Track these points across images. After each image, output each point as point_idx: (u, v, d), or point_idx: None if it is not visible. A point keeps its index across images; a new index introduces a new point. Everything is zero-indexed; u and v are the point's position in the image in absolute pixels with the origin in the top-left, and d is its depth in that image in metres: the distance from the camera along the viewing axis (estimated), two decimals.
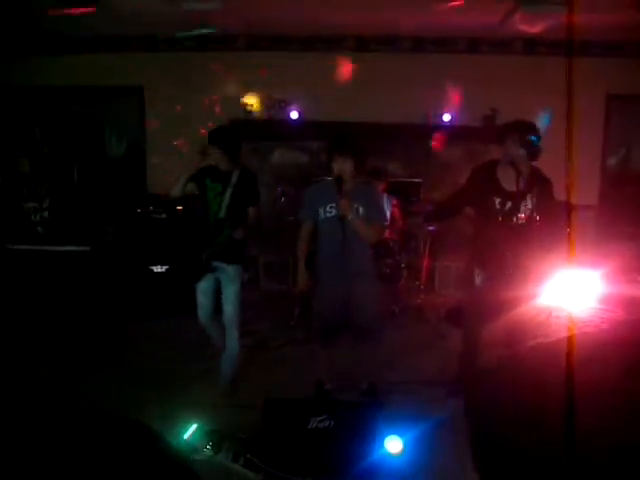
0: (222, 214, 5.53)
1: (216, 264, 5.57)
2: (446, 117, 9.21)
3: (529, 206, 5.19)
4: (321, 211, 5.33)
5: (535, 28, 8.19)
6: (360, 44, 9.40)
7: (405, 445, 4.43)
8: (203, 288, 5.69)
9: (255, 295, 8.88)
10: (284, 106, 9.39)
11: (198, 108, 9.49)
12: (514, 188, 5.17)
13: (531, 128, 5.19)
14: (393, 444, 4.39)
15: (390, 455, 4.37)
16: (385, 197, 7.83)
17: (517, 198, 5.18)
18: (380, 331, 5.58)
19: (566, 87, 2.42)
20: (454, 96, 9.06)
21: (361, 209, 5.20)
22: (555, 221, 5.03)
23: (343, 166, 5.17)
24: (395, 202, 8.01)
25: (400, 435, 4.44)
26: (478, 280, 5.42)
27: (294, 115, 9.40)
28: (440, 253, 8.78)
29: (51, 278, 6.22)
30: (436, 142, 9.19)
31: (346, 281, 5.26)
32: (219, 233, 5.53)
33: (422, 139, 9.23)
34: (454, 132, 9.17)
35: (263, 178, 9.45)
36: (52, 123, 9.56)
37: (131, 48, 9.56)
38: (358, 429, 4.39)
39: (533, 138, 5.10)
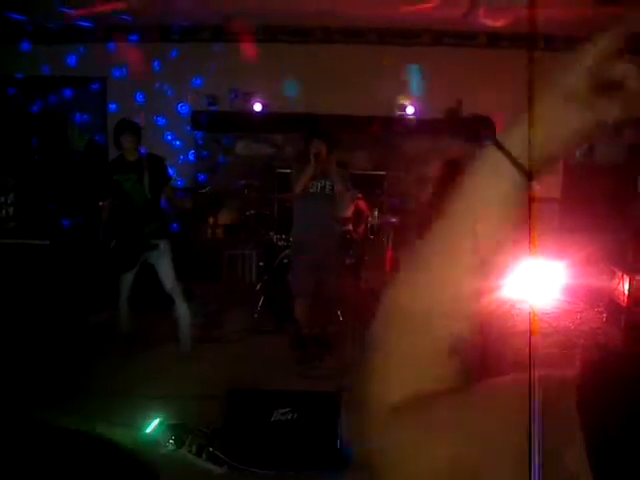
0: (148, 197, 5.98)
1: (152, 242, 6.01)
2: (410, 109, 9.22)
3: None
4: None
5: (498, 22, 8.24)
6: (325, 36, 9.39)
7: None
8: (131, 274, 6.10)
9: (217, 288, 8.85)
10: (248, 98, 9.35)
11: (161, 99, 9.41)
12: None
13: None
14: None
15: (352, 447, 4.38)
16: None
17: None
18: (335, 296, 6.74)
19: (527, 81, 2.43)
20: (418, 88, 9.07)
21: (336, 184, 6.22)
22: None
23: (320, 148, 6.11)
24: (360, 195, 8.00)
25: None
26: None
27: (258, 107, 9.36)
28: (403, 245, 8.80)
29: (11, 271, 6.18)
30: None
31: (314, 243, 6.25)
32: (150, 215, 5.97)
33: (386, 132, 9.24)
34: (418, 124, 9.20)
35: (227, 170, 9.45)
36: (12, 115, 9.43)
37: (93, 38, 9.44)
38: (321, 421, 4.38)
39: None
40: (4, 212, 6.20)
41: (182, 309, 6.34)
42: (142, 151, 6.09)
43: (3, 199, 6.22)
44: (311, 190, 6.31)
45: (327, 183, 6.29)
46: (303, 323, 6.69)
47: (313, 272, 6.38)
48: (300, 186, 6.22)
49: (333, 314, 7.23)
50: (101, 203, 6.26)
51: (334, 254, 6.55)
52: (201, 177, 9.69)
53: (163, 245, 6.13)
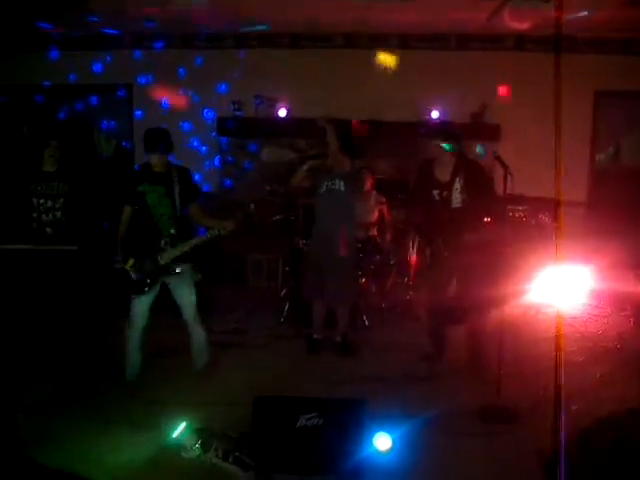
0: (176, 212, 5.52)
1: (175, 266, 5.52)
2: (434, 114, 9.19)
3: (459, 192, 5.90)
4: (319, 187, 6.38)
5: (524, 24, 8.20)
6: (348, 41, 9.40)
7: (394, 443, 4.42)
8: (147, 299, 5.58)
9: (242, 293, 8.87)
10: (272, 104, 9.38)
11: (186, 106, 9.47)
12: (447, 178, 5.95)
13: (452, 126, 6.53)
14: (382, 441, 4.39)
15: (379, 452, 4.37)
16: (374, 194, 7.85)
17: (449, 187, 5.93)
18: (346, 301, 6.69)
19: (554, 83, 2.42)
20: (443, 93, 9.03)
21: (349, 191, 6.34)
22: (491, 202, 6.00)
23: (329, 143, 6.25)
24: (383, 200, 8.00)
25: (389, 433, 4.43)
26: (427, 258, 6.43)
27: (282, 113, 9.38)
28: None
29: (40, 278, 6.14)
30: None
31: (330, 246, 6.32)
32: (176, 234, 5.51)
33: (410, 137, 9.20)
34: (443, 129, 9.14)
35: (251, 176, 9.47)
36: (40, 122, 9.52)
37: (119, 45, 9.52)
38: (347, 427, 4.38)
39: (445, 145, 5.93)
40: (51, 216, 6.11)
41: (201, 338, 5.85)
42: (172, 161, 5.71)
43: (51, 203, 6.12)
44: (322, 190, 6.35)
45: (338, 183, 6.29)
46: (317, 327, 6.75)
47: (322, 276, 6.40)
48: (294, 178, 6.43)
49: (356, 319, 7.23)
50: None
51: (348, 260, 6.48)
52: (227, 183, 9.72)
53: (185, 270, 5.60)
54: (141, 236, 5.56)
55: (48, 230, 6.06)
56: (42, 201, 6.05)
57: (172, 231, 5.50)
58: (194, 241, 5.53)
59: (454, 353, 6.34)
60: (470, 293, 5.78)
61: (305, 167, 6.32)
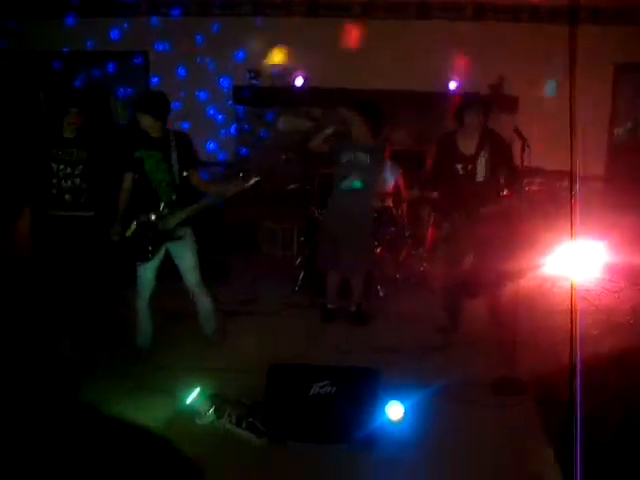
0: (176, 180, 5.44)
1: (178, 232, 5.49)
2: (452, 85, 9.13)
3: (484, 166, 5.87)
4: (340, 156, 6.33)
5: None
6: (366, 10, 9.31)
7: (406, 412, 4.46)
8: (152, 266, 5.56)
9: (255, 262, 8.91)
10: (289, 72, 9.34)
11: (202, 74, 9.44)
12: (472, 152, 5.90)
13: (483, 102, 6.25)
14: (394, 411, 4.42)
15: (391, 422, 4.41)
16: (390, 164, 7.82)
17: (473, 160, 5.89)
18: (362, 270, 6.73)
19: (569, 56, 2.40)
20: (460, 64, 8.96)
21: (370, 162, 6.27)
22: (510, 176, 5.99)
23: (348, 116, 6.34)
24: (399, 171, 7.97)
25: (401, 402, 4.47)
26: (445, 231, 6.25)
27: (299, 82, 9.33)
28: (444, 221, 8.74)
29: (61, 244, 6.15)
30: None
31: (346, 216, 6.33)
32: (175, 200, 5.46)
33: (428, 107, 9.15)
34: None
35: (267, 144, 9.46)
36: (58, 89, 9.51)
37: (136, 12, 9.49)
38: (359, 395, 4.42)
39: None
40: (70, 183, 6.08)
41: (207, 305, 5.84)
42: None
43: (70, 170, 6.07)
44: (343, 160, 6.30)
45: (361, 155, 6.26)
46: (331, 297, 6.80)
47: (339, 246, 6.41)
48: (311, 142, 6.39)
49: (373, 289, 7.25)
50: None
51: (364, 230, 6.53)
52: (242, 151, 9.71)
53: (186, 235, 5.58)
54: (141, 203, 5.51)
55: (67, 197, 6.04)
56: (62, 167, 5.99)
57: (172, 197, 5.45)
58: (194, 207, 5.48)
59: (468, 325, 6.37)
60: (488, 266, 5.79)
61: (328, 131, 6.27)
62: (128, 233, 5.45)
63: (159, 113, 5.36)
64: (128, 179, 5.57)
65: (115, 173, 5.75)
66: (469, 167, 5.89)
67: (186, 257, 5.61)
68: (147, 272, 5.56)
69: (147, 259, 5.48)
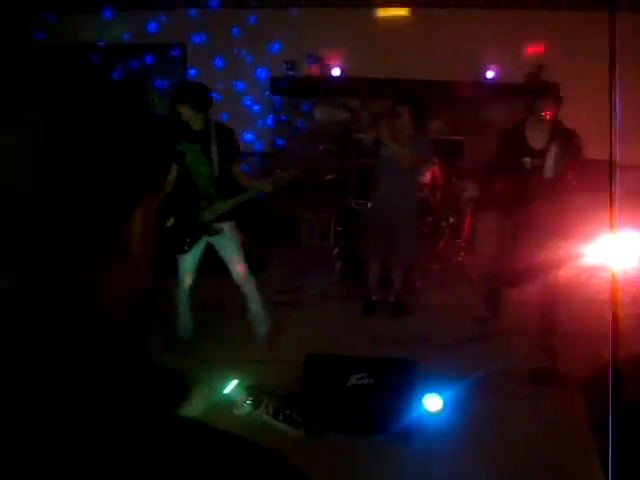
0: (216, 173, 5.39)
1: (216, 226, 5.48)
2: (489, 74, 9.04)
3: (554, 160, 5.49)
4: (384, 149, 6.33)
5: None
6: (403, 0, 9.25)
7: (444, 404, 4.45)
8: (191, 258, 5.57)
9: (294, 253, 8.92)
10: (326, 63, 9.32)
11: (239, 65, 9.46)
12: (541, 146, 5.54)
13: (556, 89, 5.73)
14: (432, 402, 4.42)
15: (429, 413, 4.40)
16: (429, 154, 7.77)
17: (543, 154, 5.53)
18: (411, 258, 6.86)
19: (609, 44, 2.36)
20: (498, 52, 8.87)
21: (414, 152, 6.18)
22: (581, 173, 5.55)
23: (398, 111, 6.26)
24: (436, 161, 7.92)
25: (439, 394, 4.46)
26: (508, 230, 5.95)
27: (336, 72, 9.31)
28: (482, 212, 8.68)
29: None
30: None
31: (389, 208, 6.35)
32: (215, 194, 5.44)
33: (465, 96, 9.08)
34: (498, 89, 9.02)
35: (305, 135, 9.46)
36: (96, 82, 9.58)
37: (173, 4, 9.53)
38: (397, 387, 4.41)
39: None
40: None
41: (256, 307, 5.78)
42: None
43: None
44: (387, 152, 6.29)
45: (407, 149, 6.20)
46: (373, 288, 6.78)
47: (385, 237, 6.45)
48: (371, 133, 6.53)
49: (410, 280, 7.22)
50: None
51: (409, 220, 6.53)
52: (279, 142, 9.73)
53: (228, 229, 5.54)
54: (181, 195, 5.53)
55: None
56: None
57: (211, 190, 5.44)
58: (232, 201, 5.45)
59: (506, 315, 6.32)
60: (542, 258, 5.63)
61: (384, 126, 6.34)
62: (168, 224, 5.47)
63: (199, 104, 5.33)
64: (173, 171, 5.57)
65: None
66: (537, 161, 5.56)
67: (228, 250, 5.59)
68: (186, 264, 5.58)
69: (183, 251, 5.51)
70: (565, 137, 5.51)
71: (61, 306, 1.72)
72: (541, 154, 5.54)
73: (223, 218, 5.48)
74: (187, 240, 5.48)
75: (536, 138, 5.61)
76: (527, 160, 5.57)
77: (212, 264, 5.68)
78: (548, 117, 5.48)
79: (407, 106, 6.25)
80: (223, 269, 5.70)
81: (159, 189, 5.93)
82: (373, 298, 6.81)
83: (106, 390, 1.63)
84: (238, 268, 5.63)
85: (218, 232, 5.49)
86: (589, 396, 3.84)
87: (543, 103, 5.48)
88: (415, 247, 6.83)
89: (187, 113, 5.34)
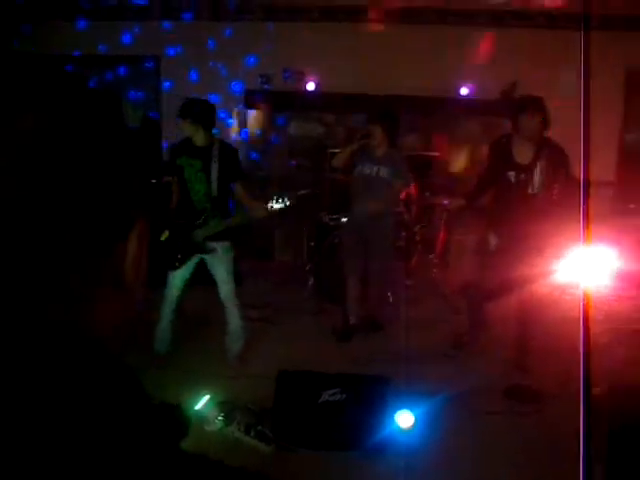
0: (214, 192, 5.37)
1: (209, 245, 5.43)
2: (463, 90, 9.09)
3: (540, 177, 5.39)
4: (360, 167, 6.34)
5: (556, 1, 8.07)
6: (379, 15, 9.28)
7: (416, 420, 4.42)
8: (181, 274, 5.53)
9: (268, 268, 8.89)
10: (301, 77, 9.32)
11: (214, 78, 9.43)
12: (528, 161, 5.43)
13: (542, 103, 5.45)
14: (404, 419, 4.39)
15: (401, 430, 4.37)
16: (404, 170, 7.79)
17: (530, 170, 5.42)
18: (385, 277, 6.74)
19: (582, 62, 2.38)
20: (472, 69, 8.92)
21: (388, 173, 6.25)
22: (569, 193, 5.31)
23: (371, 130, 6.23)
24: (411, 176, 7.92)
25: (411, 410, 4.43)
26: (492, 247, 5.75)
27: (311, 86, 9.32)
28: (455, 227, 8.70)
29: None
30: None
31: (366, 225, 6.35)
32: (211, 212, 5.40)
33: (439, 112, 9.13)
34: (472, 105, 9.08)
35: (279, 149, 9.46)
36: (70, 92, 9.52)
37: (148, 16, 9.50)
38: (369, 403, 4.39)
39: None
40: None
41: (236, 321, 5.68)
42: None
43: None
44: (365, 173, 6.28)
45: (382, 168, 6.25)
46: (352, 309, 6.57)
47: (364, 253, 6.39)
48: (338, 160, 6.42)
49: (383, 296, 7.20)
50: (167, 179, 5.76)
51: (386, 237, 6.49)
52: (253, 155, 9.71)
53: (222, 249, 5.47)
54: (179, 211, 5.52)
55: None
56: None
57: (207, 208, 5.40)
58: (228, 221, 5.42)
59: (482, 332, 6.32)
60: (520, 274, 5.56)
61: (353, 146, 6.30)
62: (162, 237, 5.46)
63: (201, 120, 5.33)
64: (174, 185, 5.58)
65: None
66: (522, 176, 5.47)
67: (218, 271, 5.54)
68: (176, 280, 5.54)
69: (174, 267, 5.47)
70: (553, 153, 5.43)
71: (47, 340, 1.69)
72: (527, 169, 5.45)
73: (217, 238, 5.43)
74: (179, 256, 5.44)
75: (522, 153, 5.51)
76: (512, 174, 5.49)
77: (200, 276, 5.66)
78: (534, 133, 5.43)
79: (379, 124, 6.22)
80: (210, 281, 5.67)
81: (151, 214, 5.92)
82: (352, 321, 6.60)
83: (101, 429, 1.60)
84: (226, 289, 5.58)
85: (211, 251, 5.44)
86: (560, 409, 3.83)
87: (527, 118, 5.40)
88: (392, 263, 6.82)
89: (189, 128, 5.34)
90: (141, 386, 1.77)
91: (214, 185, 5.36)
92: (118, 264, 5.94)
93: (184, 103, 5.44)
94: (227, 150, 5.50)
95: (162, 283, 5.65)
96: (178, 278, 5.53)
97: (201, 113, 5.37)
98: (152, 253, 5.61)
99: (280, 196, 5.34)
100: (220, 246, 5.46)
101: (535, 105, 5.43)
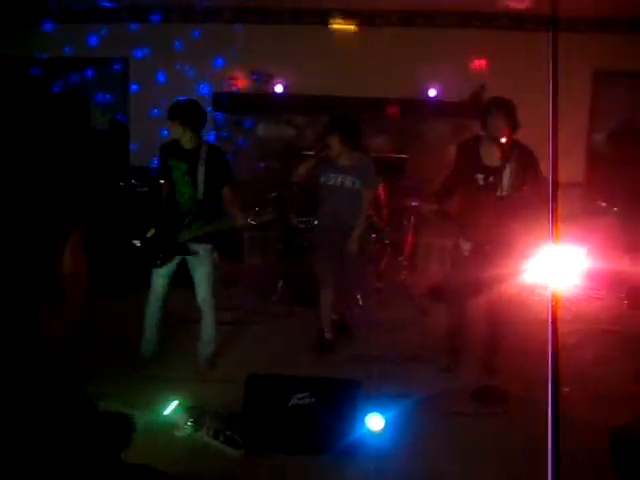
0: (200, 196, 5.36)
1: (191, 247, 5.41)
2: (432, 92, 9.12)
3: (509, 179, 5.29)
4: (324, 177, 6.13)
5: (523, 3, 8.12)
6: (347, 18, 9.28)
7: (386, 423, 4.41)
8: (165, 272, 5.52)
9: (238, 270, 8.85)
10: (269, 79, 9.30)
11: (182, 80, 9.38)
12: (496, 163, 5.32)
13: (511, 105, 5.34)
14: (374, 422, 4.38)
15: (371, 433, 4.36)
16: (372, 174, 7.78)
17: (498, 172, 5.31)
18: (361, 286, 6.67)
19: (551, 63, 2.38)
20: (441, 71, 8.95)
21: (356, 182, 6.04)
22: (539, 194, 5.19)
23: (330, 141, 5.95)
24: (379, 179, 7.91)
25: (382, 413, 4.42)
26: (464, 252, 5.56)
27: (279, 89, 9.31)
28: (424, 230, 8.72)
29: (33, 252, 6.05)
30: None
31: (336, 235, 6.10)
32: (196, 215, 5.37)
33: (409, 114, 9.15)
34: (441, 107, 9.11)
35: (247, 152, 9.42)
36: (35, 95, 9.42)
37: (115, 18, 9.42)
38: (339, 407, 4.37)
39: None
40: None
41: (209, 326, 5.66)
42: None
43: None
44: (329, 183, 6.11)
45: (348, 178, 6.06)
46: (327, 322, 6.28)
47: (336, 262, 6.14)
48: (300, 172, 6.16)
49: (353, 299, 7.17)
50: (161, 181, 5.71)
51: (360, 246, 6.18)
52: None
53: (204, 252, 5.46)
54: (166, 210, 5.53)
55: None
56: None
57: (192, 211, 5.38)
58: (212, 226, 5.39)
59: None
60: (489, 276, 5.51)
61: (312, 161, 6.10)
62: (148, 234, 5.46)
63: (189, 122, 5.29)
64: (164, 186, 5.60)
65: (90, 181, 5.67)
66: (491, 179, 5.35)
67: (198, 273, 5.51)
68: (158, 278, 5.54)
69: (156, 265, 5.47)
70: (522, 155, 5.34)
71: None
72: (495, 171, 5.35)
73: (200, 240, 5.40)
74: (161, 255, 5.43)
75: (490, 155, 5.40)
76: (480, 177, 5.39)
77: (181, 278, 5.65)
78: (503, 134, 5.29)
79: (336, 133, 5.95)
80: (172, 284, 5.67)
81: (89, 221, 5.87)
82: (327, 337, 6.32)
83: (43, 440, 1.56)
84: (203, 292, 5.55)
85: (193, 254, 5.42)
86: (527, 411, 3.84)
87: (495, 120, 5.31)
88: (365, 268, 6.76)
89: (177, 130, 5.31)
90: (84, 394, 1.74)
91: (200, 189, 5.34)
92: (56, 271, 5.89)
93: (173, 104, 5.39)
94: (215, 154, 5.45)
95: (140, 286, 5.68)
96: (161, 276, 5.53)
97: (191, 114, 5.33)
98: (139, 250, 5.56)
99: (263, 208, 5.33)
100: (202, 248, 5.44)
101: (503, 107, 5.33)
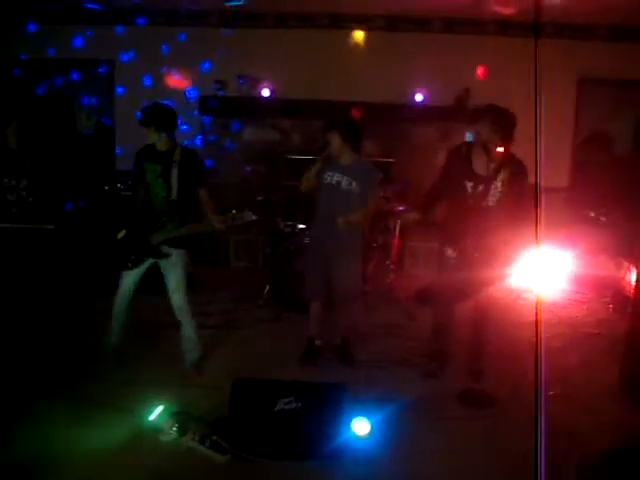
0: (173, 196, 5.32)
1: (164, 250, 5.36)
2: (418, 97, 9.16)
3: (499, 189, 5.22)
4: (322, 177, 5.84)
5: (509, 9, 8.17)
6: (334, 22, 9.30)
7: (373, 427, 4.41)
8: (134, 273, 5.47)
9: (224, 274, 8.83)
10: (255, 83, 9.31)
11: (168, 84, 9.36)
12: (487, 172, 5.25)
13: (504, 112, 5.23)
14: (360, 426, 4.37)
15: (357, 437, 4.36)
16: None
17: (488, 181, 5.23)
18: (352, 299, 6.05)
19: (534, 69, 2.40)
20: (427, 76, 8.99)
21: (354, 184, 5.75)
22: (527, 204, 4.99)
23: (330, 139, 5.75)
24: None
25: (368, 417, 4.42)
26: (449, 259, 5.52)
27: (265, 92, 9.32)
28: (410, 233, 8.73)
29: (14, 256, 6.02)
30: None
31: (330, 241, 5.80)
32: (170, 217, 5.33)
33: (395, 119, 9.18)
34: (426, 112, 9.14)
35: (233, 156, 9.42)
36: (18, 97, 9.37)
37: (101, 20, 9.39)
38: (325, 411, 4.37)
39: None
40: (15, 195, 5.90)
41: (190, 331, 5.61)
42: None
43: (15, 182, 5.91)
44: (325, 182, 5.83)
45: (345, 178, 5.77)
46: (315, 330, 6.14)
47: (327, 272, 5.92)
48: (306, 183, 5.88)
49: (356, 321, 6.53)
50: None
51: (350, 252, 5.92)
52: (208, 162, 9.62)
53: (176, 256, 5.38)
54: (140, 212, 5.50)
55: (13, 209, 5.89)
56: (6, 180, 5.87)
57: (166, 212, 5.34)
58: (184, 229, 5.32)
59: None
60: (475, 281, 5.43)
61: (317, 166, 5.80)
62: (119, 236, 5.44)
63: (163, 126, 5.31)
64: (139, 189, 5.56)
65: (73, 184, 5.64)
66: (480, 187, 5.26)
67: (171, 277, 5.44)
68: (127, 279, 5.50)
69: (126, 267, 5.44)
70: (513, 166, 5.23)
71: None
72: (485, 181, 5.25)
73: (173, 244, 5.35)
74: (132, 257, 5.41)
75: (481, 164, 5.29)
76: (469, 184, 5.30)
77: (144, 285, 5.59)
78: (496, 143, 5.15)
79: (337, 132, 5.74)
80: (155, 289, 5.59)
81: None
82: (317, 343, 6.18)
83: None
84: (177, 297, 5.48)
85: (164, 257, 5.37)
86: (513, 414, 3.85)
87: (486, 127, 5.18)
88: (360, 282, 6.31)
89: (152, 136, 5.33)
90: None
91: (174, 190, 5.31)
92: None
93: (145, 110, 5.38)
94: (188, 155, 5.43)
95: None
96: (130, 278, 5.48)
97: (164, 119, 5.36)
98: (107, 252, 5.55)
99: (241, 211, 5.19)
100: (175, 252, 5.39)
101: (492, 114, 5.23)
